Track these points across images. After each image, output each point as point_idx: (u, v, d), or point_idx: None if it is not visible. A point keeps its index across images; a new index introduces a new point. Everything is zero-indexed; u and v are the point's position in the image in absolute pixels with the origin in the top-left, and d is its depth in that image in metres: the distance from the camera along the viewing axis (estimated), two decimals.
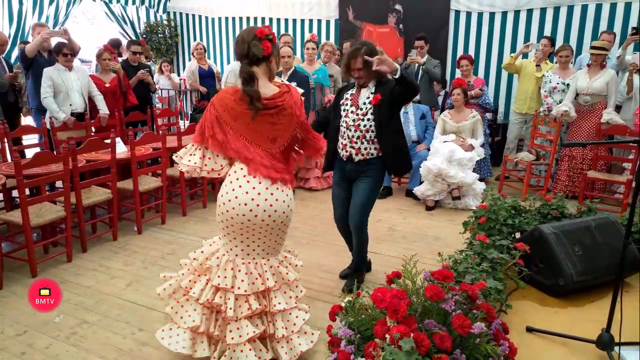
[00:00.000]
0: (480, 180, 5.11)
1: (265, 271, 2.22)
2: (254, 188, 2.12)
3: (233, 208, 2.12)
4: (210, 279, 2.21)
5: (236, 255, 2.22)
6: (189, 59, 9.07)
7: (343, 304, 1.99)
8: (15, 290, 3.13)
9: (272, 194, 2.15)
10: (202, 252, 2.35)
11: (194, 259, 2.33)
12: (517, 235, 3.37)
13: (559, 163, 5.25)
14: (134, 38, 8.54)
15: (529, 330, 2.56)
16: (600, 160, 4.95)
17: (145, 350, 2.50)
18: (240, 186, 2.12)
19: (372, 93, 2.90)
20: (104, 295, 3.07)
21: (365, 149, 2.92)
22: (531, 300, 2.94)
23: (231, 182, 2.15)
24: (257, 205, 2.12)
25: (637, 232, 3.26)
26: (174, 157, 2.26)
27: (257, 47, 2.10)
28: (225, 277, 2.17)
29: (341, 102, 3.03)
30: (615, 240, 2.93)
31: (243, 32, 2.18)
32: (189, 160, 2.18)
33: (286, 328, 2.27)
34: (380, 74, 2.82)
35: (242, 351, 2.15)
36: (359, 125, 2.89)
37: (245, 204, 2.11)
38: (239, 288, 2.15)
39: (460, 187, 4.78)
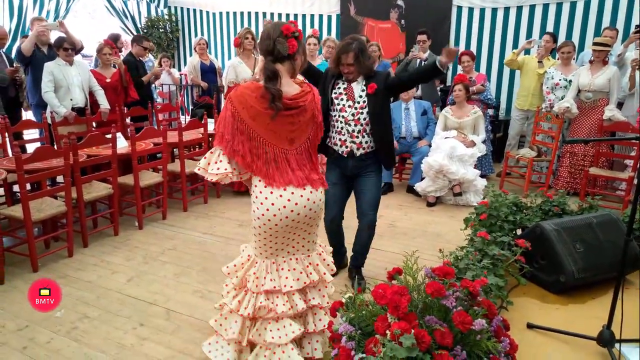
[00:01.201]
0: (482, 176, 5.10)
1: (308, 266, 2.23)
2: (285, 190, 2.06)
3: (274, 215, 2.04)
4: (250, 288, 2.15)
5: (277, 256, 2.19)
6: (190, 54, 9.05)
7: (344, 300, 1.99)
8: (16, 284, 3.14)
9: (301, 195, 2.08)
10: (240, 265, 2.27)
11: (236, 276, 2.26)
12: (519, 231, 3.37)
13: (560, 159, 5.24)
14: (135, 33, 8.52)
15: (530, 326, 2.56)
16: (601, 157, 4.94)
17: (146, 345, 2.50)
18: (271, 192, 2.05)
19: (365, 85, 2.88)
20: (104, 290, 3.08)
21: (367, 142, 2.90)
22: (532, 297, 2.94)
23: (261, 191, 2.06)
24: (296, 204, 2.06)
25: (638, 229, 3.25)
26: (196, 171, 2.12)
27: (282, 45, 2.01)
28: (272, 280, 2.13)
29: (334, 97, 2.93)
30: (617, 237, 2.93)
31: (269, 27, 2.08)
32: (217, 169, 2.01)
33: (316, 324, 2.28)
34: (369, 68, 2.84)
35: (283, 352, 2.12)
36: (358, 119, 2.86)
37: (284, 207, 2.04)
38: (284, 286, 2.13)
39: (462, 183, 4.77)
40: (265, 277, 2.14)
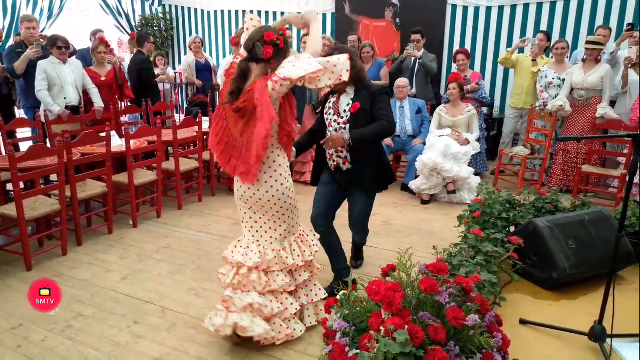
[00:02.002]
0: (476, 174, 5.13)
1: (301, 244, 2.56)
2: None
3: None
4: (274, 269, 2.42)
5: (285, 237, 2.50)
6: (185, 53, 9.02)
7: (338, 297, 2.00)
8: (10, 283, 3.13)
9: (237, 181, 2.47)
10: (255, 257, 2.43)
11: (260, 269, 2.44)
12: (512, 229, 3.39)
13: (553, 157, 5.28)
14: (129, 31, 8.50)
15: (523, 322, 2.58)
16: (594, 154, 4.98)
17: (141, 343, 2.50)
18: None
19: (351, 99, 2.77)
20: (99, 289, 3.07)
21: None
22: (525, 293, 2.96)
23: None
24: (237, 190, 2.48)
25: (630, 226, 3.28)
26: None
27: (259, 49, 2.20)
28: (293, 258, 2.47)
29: (325, 112, 2.91)
30: (609, 234, 2.96)
31: (257, 29, 2.30)
32: None
33: (307, 295, 2.58)
34: (357, 79, 2.70)
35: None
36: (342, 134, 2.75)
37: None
38: (294, 261, 2.46)
39: (456, 181, 4.79)
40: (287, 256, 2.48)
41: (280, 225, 2.46)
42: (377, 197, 3.13)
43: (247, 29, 2.49)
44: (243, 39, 2.46)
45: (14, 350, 2.44)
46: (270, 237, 2.45)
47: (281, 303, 2.43)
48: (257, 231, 2.47)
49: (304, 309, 2.58)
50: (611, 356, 2.24)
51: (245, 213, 2.49)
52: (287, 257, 2.43)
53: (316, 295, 2.63)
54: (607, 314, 2.25)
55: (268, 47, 2.19)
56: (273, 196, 2.37)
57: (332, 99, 2.90)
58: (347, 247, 3.12)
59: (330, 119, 2.86)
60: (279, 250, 2.43)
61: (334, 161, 2.90)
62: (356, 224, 3.08)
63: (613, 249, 2.20)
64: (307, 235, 2.63)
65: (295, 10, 7.94)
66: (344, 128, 2.75)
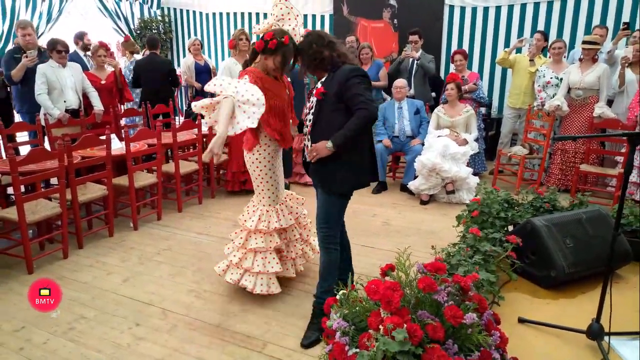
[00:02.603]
0: (475, 174, 5.15)
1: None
2: None
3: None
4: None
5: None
6: (184, 55, 9.04)
7: (338, 297, 2.02)
8: (12, 286, 3.15)
9: None
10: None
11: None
12: (510, 228, 3.41)
13: (552, 157, 5.30)
14: (127, 34, 8.51)
15: (521, 321, 2.60)
16: (592, 153, 5.00)
17: (143, 344, 2.52)
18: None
19: (321, 83, 2.55)
20: (100, 291, 3.09)
21: None
22: (523, 292, 2.99)
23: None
24: None
25: (627, 224, 3.30)
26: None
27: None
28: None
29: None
30: (606, 232, 2.97)
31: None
32: None
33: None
34: (334, 64, 2.46)
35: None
36: (308, 119, 2.57)
37: None
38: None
39: (454, 181, 4.81)
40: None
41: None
42: (376, 197, 3.14)
43: (277, 16, 2.86)
44: (272, 25, 2.86)
45: (17, 352, 2.46)
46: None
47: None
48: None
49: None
50: (609, 354, 2.26)
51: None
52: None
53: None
54: (604, 312, 2.27)
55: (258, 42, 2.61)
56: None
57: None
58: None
59: (307, 103, 2.69)
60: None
61: (304, 149, 2.68)
62: (318, 220, 2.59)
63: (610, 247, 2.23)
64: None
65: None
66: (309, 114, 2.54)
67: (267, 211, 2.93)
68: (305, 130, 2.58)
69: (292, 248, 3.09)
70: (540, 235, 2.95)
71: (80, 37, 6.12)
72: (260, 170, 2.88)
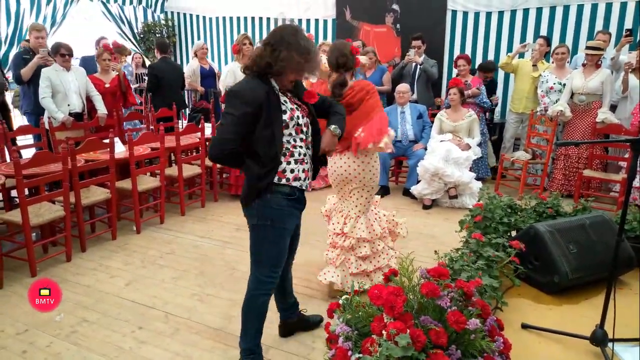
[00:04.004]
0: (478, 179, 5.14)
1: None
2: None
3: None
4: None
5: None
6: (187, 59, 9.09)
7: (341, 302, 2.02)
8: (15, 289, 3.15)
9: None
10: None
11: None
12: (513, 233, 3.40)
13: (555, 162, 5.29)
14: (131, 38, 8.57)
15: (524, 327, 2.59)
16: (595, 159, 4.99)
17: (145, 348, 2.52)
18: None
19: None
20: (103, 294, 3.09)
21: None
22: (527, 297, 2.98)
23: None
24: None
25: (631, 230, 3.29)
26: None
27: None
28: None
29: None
30: (609, 238, 2.97)
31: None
32: None
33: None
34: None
35: None
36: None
37: None
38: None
39: (457, 186, 4.81)
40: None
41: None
42: (380, 202, 3.14)
43: None
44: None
45: (20, 355, 2.46)
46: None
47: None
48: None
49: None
50: None
51: None
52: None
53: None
54: (608, 318, 2.26)
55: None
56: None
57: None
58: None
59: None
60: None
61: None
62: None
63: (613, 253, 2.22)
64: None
65: (295, 16, 8.00)
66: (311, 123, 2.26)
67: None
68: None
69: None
70: (544, 241, 2.95)
71: (99, 42, 6.22)
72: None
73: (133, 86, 6.27)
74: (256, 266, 2.22)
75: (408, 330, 1.64)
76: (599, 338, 2.30)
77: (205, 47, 6.66)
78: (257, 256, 2.21)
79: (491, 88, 6.17)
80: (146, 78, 6.49)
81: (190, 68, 6.73)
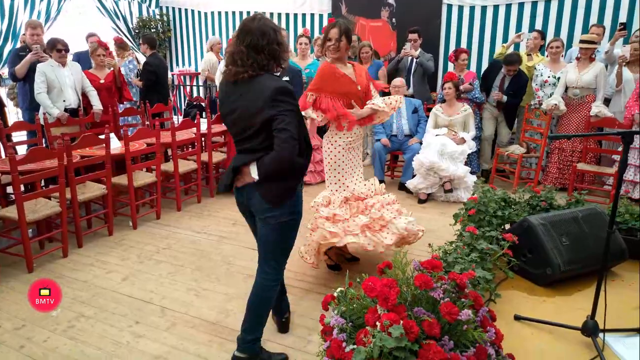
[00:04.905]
0: (472, 173, 5.17)
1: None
2: None
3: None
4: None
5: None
6: (182, 54, 9.08)
7: (335, 294, 2.04)
8: (12, 285, 3.16)
9: None
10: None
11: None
12: (507, 226, 3.43)
13: (549, 156, 5.32)
14: (126, 33, 8.53)
15: (517, 318, 2.63)
16: (589, 152, 5.03)
17: (142, 342, 2.54)
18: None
19: None
20: (100, 290, 3.11)
21: None
22: (520, 289, 3.01)
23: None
24: None
25: (623, 223, 3.33)
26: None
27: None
28: None
29: None
30: (602, 230, 2.99)
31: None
32: None
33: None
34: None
35: None
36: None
37: None
38: None
39: (452, 180, 4.84)
40: None
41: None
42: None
43: None
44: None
45: (17, 350, 2.48)
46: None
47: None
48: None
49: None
50: (603, 350, 2.28)
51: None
52: None
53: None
54: (599, 308, 2.29)
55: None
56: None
57: None
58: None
59: None
60: None
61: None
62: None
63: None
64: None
65: (291, 10, 7.98)
66: None
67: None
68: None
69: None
70: (537, 233, 2.98)
71: (87, 38, 6.21)
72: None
73: (138, 83, 6.21)
74: (277, 260, 2.28)
75: (401, 322, 1.66)
76: (590, 329, 2.34)
77: (220, 42, 6.82)
78: (284, 250, 2.29)
79: (518, 84, 5.33)
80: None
81: (209, 61, 6.83)
